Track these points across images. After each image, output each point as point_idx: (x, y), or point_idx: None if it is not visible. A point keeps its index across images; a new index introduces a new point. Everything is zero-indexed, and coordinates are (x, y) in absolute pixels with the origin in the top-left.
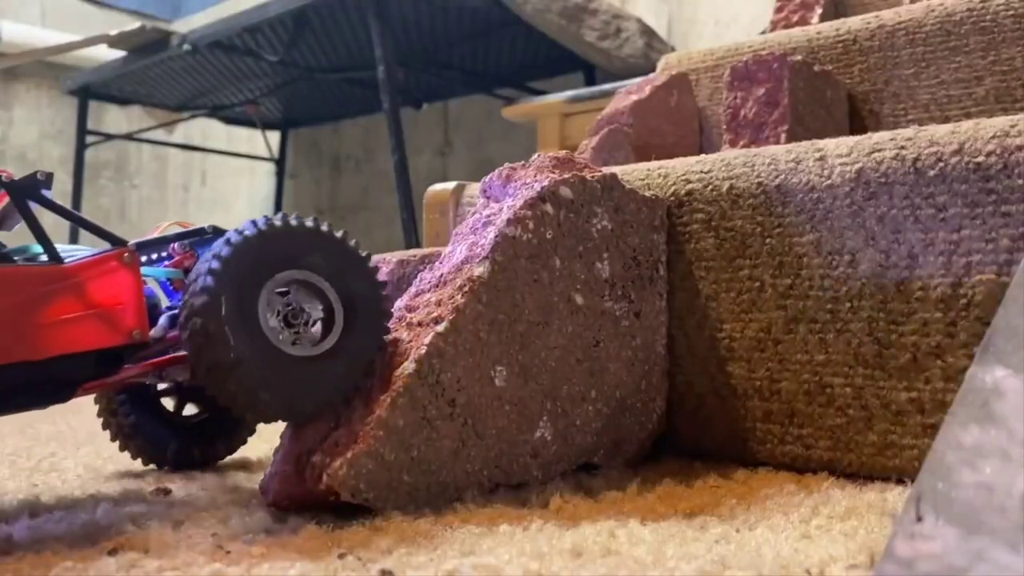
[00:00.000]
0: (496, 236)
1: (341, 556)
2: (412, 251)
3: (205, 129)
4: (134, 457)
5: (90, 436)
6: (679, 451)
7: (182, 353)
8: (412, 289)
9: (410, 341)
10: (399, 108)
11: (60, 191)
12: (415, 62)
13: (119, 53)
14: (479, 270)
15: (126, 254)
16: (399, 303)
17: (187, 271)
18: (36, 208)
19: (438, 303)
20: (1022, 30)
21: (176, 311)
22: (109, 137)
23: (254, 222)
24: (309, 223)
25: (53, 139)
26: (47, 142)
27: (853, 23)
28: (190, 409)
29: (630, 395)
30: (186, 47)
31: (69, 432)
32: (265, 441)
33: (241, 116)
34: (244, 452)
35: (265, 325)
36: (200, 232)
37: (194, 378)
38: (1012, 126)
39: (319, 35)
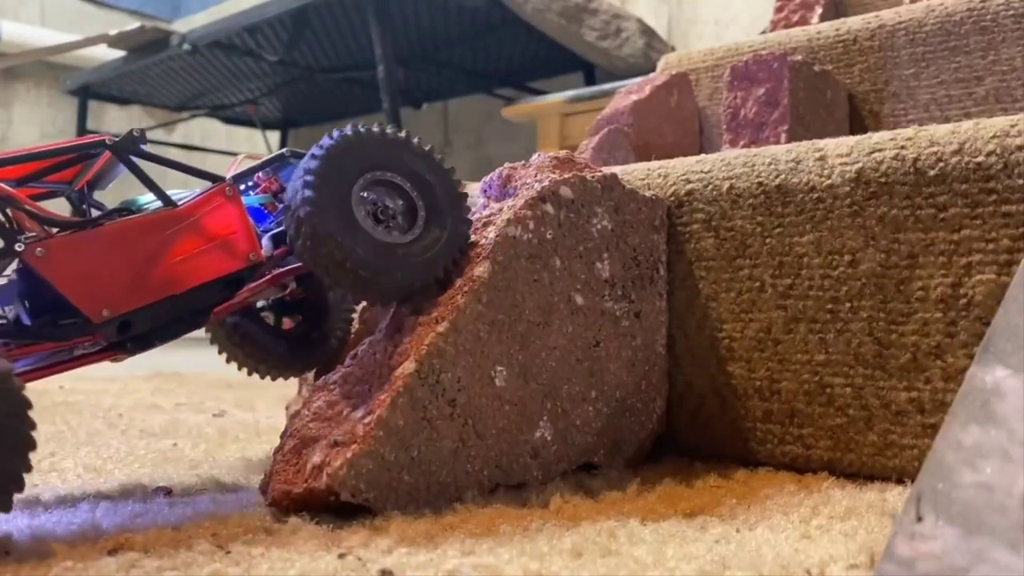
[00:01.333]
0: (496, 236)
1: (341, 556)
2: None
3: (205, 129)
4: (240, 366)
5: (90, 436)
6: (679, 451)
7: (292, 267)
8: None
9: (410, 341)
10: (399, 108)
11: None
12: (415, 62)
13: (119, 53)
14: (479, 270)
15: (228, 188)
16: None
17: (274, 195)
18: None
19: (438, 303)
20: (1022, 30)
21: (275, 231)
22: None
23: (330, 136)
24: (375, 129)
25: (53, 139)
26: (47, 142)
27: (853, 23)
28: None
29: (630, 395)
30: (186, 47)
31: (69, 432)
32: (265, 441)
33: (241, 116)
34: (244, 452)
35: (361, 220)
36: (280, 158)
37: (306, 283)
38: (1012, 126)
39: (319, 35)
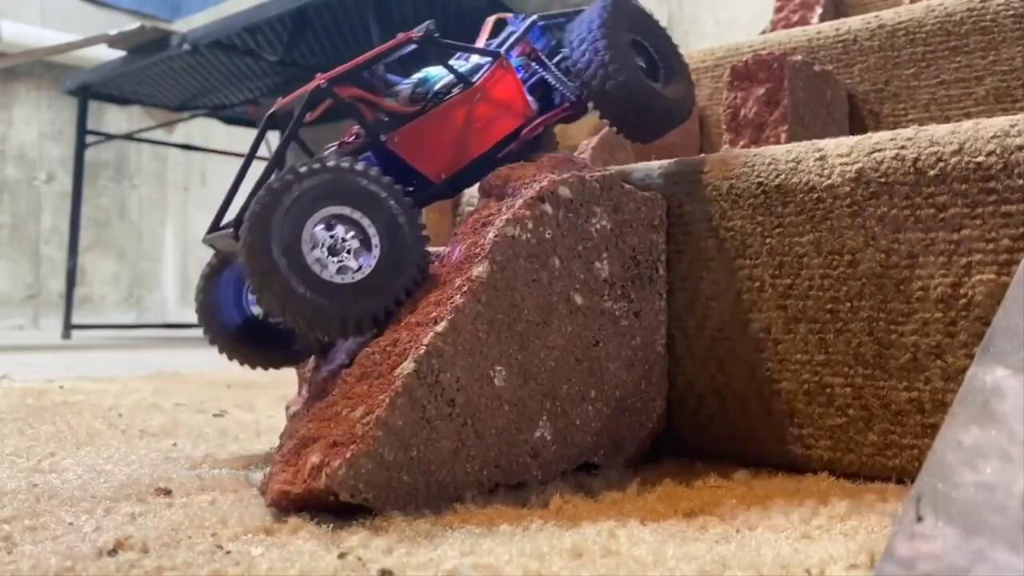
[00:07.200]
0: (495, 236)
1: (341, 556)
2: None
3: (205, 129)
4: None
5: (90, 436)
6: (679, 451)
7: (554, 112)
8: None
9: (409, 341)
10: None
11: (60, 191)
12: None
13: (119, 53)
14: (478, 270)
15: (504, 62)
16: None
17: (527, 55)
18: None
19: (437, 303)
20: (1022, 30)
21: (529, 84)
22: (109, 137)
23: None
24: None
25: (53, 139)
26: (47, 142)
27: (853, 23)
28: None
29: (630, 395)
30: (186, 47)
31: (69, 432)
32: (265, 441)
33: (241, 116)
34: (244, 452)
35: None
36: (532, 24)
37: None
38: (1012, 126)
39: (319, 35)
